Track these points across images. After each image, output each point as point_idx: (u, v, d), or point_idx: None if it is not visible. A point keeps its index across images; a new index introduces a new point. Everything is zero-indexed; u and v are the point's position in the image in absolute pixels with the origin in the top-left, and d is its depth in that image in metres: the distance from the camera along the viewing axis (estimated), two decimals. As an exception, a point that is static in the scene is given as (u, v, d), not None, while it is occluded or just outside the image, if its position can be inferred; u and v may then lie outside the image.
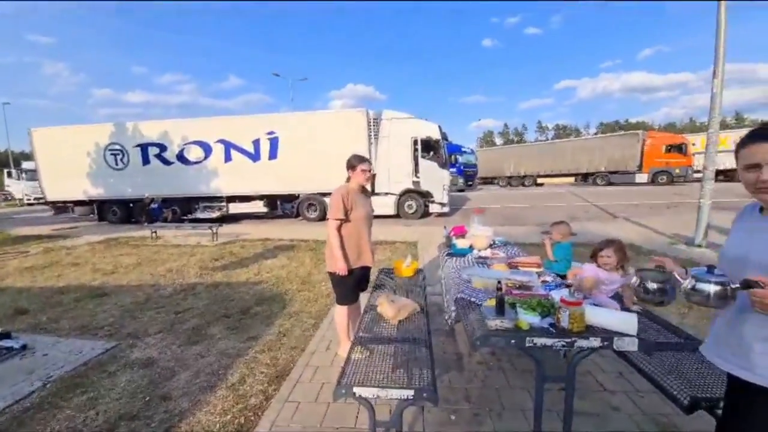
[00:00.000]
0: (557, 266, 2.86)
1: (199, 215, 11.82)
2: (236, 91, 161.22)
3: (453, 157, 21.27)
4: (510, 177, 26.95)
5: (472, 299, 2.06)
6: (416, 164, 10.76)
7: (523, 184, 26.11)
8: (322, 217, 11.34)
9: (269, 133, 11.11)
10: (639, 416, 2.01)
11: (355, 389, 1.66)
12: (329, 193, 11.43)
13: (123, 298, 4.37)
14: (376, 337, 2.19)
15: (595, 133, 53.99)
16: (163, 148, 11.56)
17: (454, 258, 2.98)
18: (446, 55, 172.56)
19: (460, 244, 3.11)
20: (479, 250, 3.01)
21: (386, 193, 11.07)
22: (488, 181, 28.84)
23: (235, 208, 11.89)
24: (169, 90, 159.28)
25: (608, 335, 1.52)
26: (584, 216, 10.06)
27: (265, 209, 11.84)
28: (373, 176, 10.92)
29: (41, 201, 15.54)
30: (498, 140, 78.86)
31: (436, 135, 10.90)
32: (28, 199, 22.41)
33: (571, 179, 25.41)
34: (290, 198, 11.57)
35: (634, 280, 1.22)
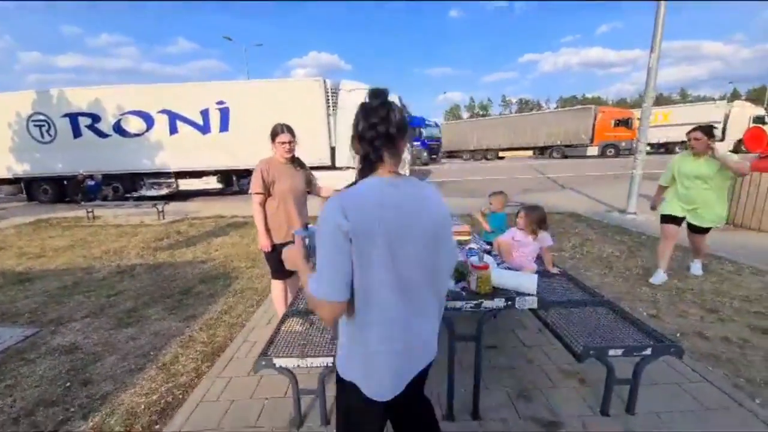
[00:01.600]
0: (493, 236, 2.99)
1: (145, 193, 11.03)
2: (186, 56, 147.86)
3: (417, 130, 21.21)
4: (473, 151, 27.46)
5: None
6: (376, 137, 10.60)
7: (485, 158, 26.75)
8: (282, 193, 11.03)
9: (219, 103, 10.38)
10: (549, 365, 2.21)
11: (275, 360, 1.67)
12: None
13: (49, 283, 4.04)
14: (305, 310, 2.19)
15: (556, 108, 55.83)
16: (96, 118, 10.46)
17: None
18: (413, 23, 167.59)
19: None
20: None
21: (347, 167, 10.89)
22: (453, 154, 29.19)
23: (185, 184, 11.21)
24: (107, 53, 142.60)
25: (512, 296, 1.62)
26: (537, 188, 10.57)
27: (219, 185, 11.28)
28: (333, 150, 10.70)
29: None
30: (464, 114, 79.33)
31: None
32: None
33: (530, 153, 26.39)
34: (246, 173, 11.06)
35: None
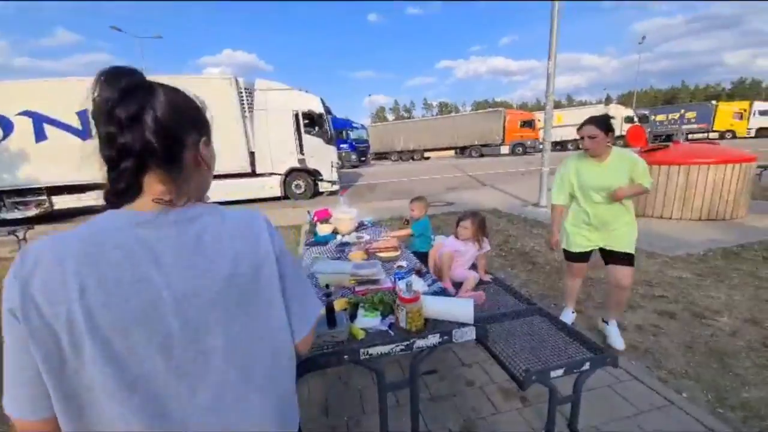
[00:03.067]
0: (417, 243, 2.79)
1: (6, 215, 8.75)
2: (68, 49, 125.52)
3: (344, 132, 20.88)
4: (401, 152, 28.11)
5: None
6: (300, 141, 9.96)
7: (412, 158, 27.58)
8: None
9: (103, 104, 8.68)
10: (490, 386, 2.05)
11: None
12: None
13: None
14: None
15: (471, 111, 60.61)
16: None
17: (316, 247, 2.62)
18: (334, 25, 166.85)
19: (322, 230, 2.76)
20: (342, 236, 2.71)
21: (270, 174, 10.06)
22: (382, 156, 29.54)
23: (62, 202, 9.18)
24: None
25: (447, 329, 1.37)
26: (461, 186, 11.03)
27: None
28: (252, 154, 9.76)
29: None
30: (389, 116, 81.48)
31: (318, 108, 10.19)
32: None
33: (452, 152, 27.99)
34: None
35: None
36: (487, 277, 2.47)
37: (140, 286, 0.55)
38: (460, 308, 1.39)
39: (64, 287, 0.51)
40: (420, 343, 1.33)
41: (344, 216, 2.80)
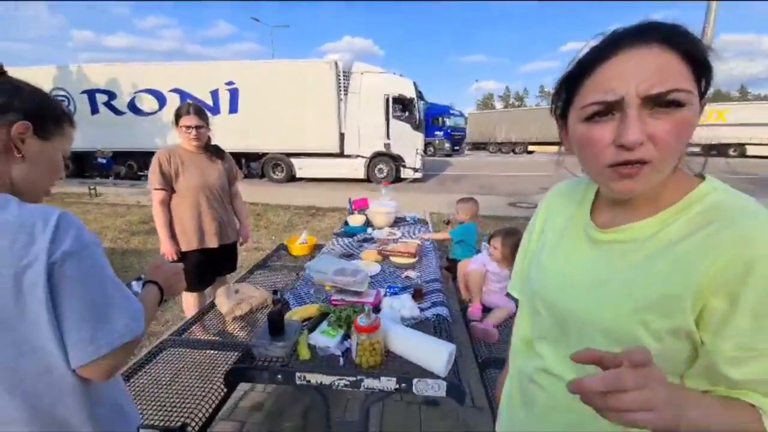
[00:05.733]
0: (457, 251, 2.41)
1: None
2: (226, 39, 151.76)
3: (440, 119, 20.20)
4: (500, 143, 26.00)
5: (307, 301, 1.60)
6: (387, 125, 9.96)
7: (513, 151, 25.25)
8: (290, 178, 10.73)
9: (228, 84, 10.11)
10: None
11: None
12: (296, 154, 10.47)
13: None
14: (194, 339, 1.75)
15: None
16: (112, 95, 10.55)
17: (341, 239, 2.50)
18: (450, 6, 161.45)
19: (354, 220, 2.62)
20: (374, 229, 2.52)
21: (356, 156, 10.38)
22: (479, 146, 27.82)
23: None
24: (153, 34, 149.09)
25: (409, 375, 1.07)
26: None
27: (227, 168, 11.15)
28: (342, 136, 10.17)
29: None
30: (498, 104, 75.88)
31: (410, 93, 9.97)
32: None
33: (563, 148, 24.62)
34: (255, 157, 10.82)
35: None
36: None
37: None
38: (431, 353, 1.07)
39: None
40: (369, 383, 1.07)
41: (379, 209, 2.59)
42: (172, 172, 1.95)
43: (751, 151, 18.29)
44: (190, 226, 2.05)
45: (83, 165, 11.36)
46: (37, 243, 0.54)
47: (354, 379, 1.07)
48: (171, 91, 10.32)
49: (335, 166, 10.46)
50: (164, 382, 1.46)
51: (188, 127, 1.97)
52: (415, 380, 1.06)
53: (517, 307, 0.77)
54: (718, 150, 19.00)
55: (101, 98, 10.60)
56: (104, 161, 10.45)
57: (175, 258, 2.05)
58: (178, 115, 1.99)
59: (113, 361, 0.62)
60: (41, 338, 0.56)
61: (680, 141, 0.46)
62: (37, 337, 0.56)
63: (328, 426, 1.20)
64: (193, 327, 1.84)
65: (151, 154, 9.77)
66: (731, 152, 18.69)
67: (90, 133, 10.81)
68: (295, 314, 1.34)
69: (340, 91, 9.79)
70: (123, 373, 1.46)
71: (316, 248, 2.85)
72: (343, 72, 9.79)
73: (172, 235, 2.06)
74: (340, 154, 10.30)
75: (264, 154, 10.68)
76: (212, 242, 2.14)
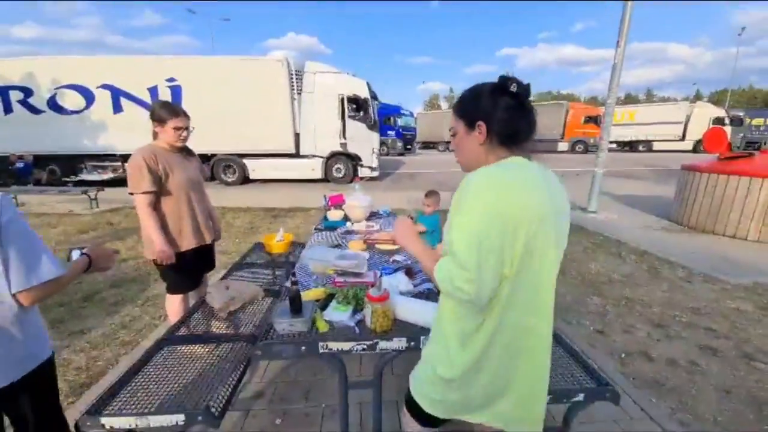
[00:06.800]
0: (429, 240, 2.66)
1: (87, 177, 10.00)
2: (153, 30, 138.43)
3: (392, 119, 20.72)
4: (448, 142, 27.25)
5: (312, 286, 1.72)
6: (344, 125, 10.04)
7: (460, 150, 26.66)
8: (243, 180, 10.33)
9: (170, 80, 9.44)
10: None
11: (104, 420, 1.25)
12: (249, 154, 10.05)
13: None
14: (193, 335, 1.78)
15: (533, 102, 56.41)
16: (28, 92, 9.30)
17: (323, 232, 2.62)
18: (395, 8, 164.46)
19: (333, 215, 2.75)
20: (352, 223, 2.68)
21: (312, 156, 10.30)
22: (429, 145, 28.93)
23: (133, 169, 10.25)
24: (67, 23, 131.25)
25: (416, 334, 1.27)
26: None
27: (170, 171, 10.40)
28: (297, 136, 10.06)
29: None
30: (443, 104, 79.15)
31: (364, 93, 10.14)
32: None
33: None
34: (203, 158, 10.23)
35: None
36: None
37: None
38: (431, 314, 1.28)
39: None
40: (384, 345, 1.25)
41: (356, 203, 2.76)
42: (161, 172, 1.92)
43: (656, 146, 21.41)
44: (187, 224, 2.03)
45: (-4, 171, 9.86)
46: None
47: (370, 342, 1.25)
48: (100, 87, 9.36)
49: (291, 166, 10.30)
50: (175, 373, 1.50)
51: (179, 128, 1.96)
52: (422, 338, 1.26)
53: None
54: (631, 146, 22.01)
55: (15, 95, 9.30)
56: (21, 166, 9.18)
57: (173, 261, 2.00)
58: (170, 114, 1.95)
59: (39, 292, 0.98)
60: None
61: (459, 151, 0.96)
62: None
63: (346, 386, 1.36)
64: (189, 322, 1.86)
65: (76, 157, 8.91)
66: (641, 148, 21.74)
67: (2, 136, 9.43)
68: (306, 296, 1.47)
69: (293, 90, 9.66)
70: (135, 364, 1.48)
71: (293, 245, 2.93)
72: (296, 71, 9.67)
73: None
74: (296, 155, 10.17)
75: (213, 156, 10.15)
76: (207, 238, 2.17)
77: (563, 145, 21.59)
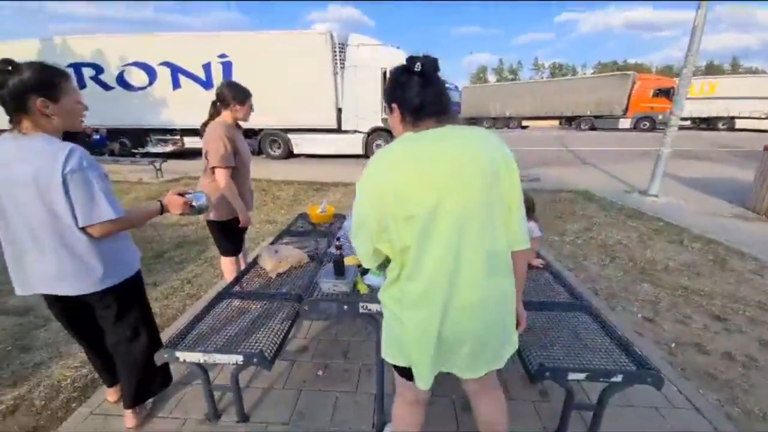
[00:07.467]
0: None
1: (152, 149, 10.95)
2: (207, 7, 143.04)
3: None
4: (495, 118, 25.94)
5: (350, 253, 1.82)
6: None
7: (508, 127, 25.28)
8: (288, 155, 10.73)
9: (221, 56, 9.83)
10: (510, 371, 1.94)
11: (178, 354, 1.46)
12: (293, 129, 10.34)
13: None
14: (247, 291, 1.98)
15: (593, 74, 50.85)
16: (99, 69, 10.20)
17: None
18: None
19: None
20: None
21: (354, 131, 10.37)
22: (473, 122, 27.73)
23: (191, 142, 11.03)
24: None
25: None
26: (555, 161, 9.83)
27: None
28: (340, 111, 10.15)
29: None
30: (491, 77, 74.58)
31: (408, 66, 9.87)
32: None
33: (556, 122, 24.70)
34: (252, 133, 10.72)
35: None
36: (537, 262, 2.25)
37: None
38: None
39: None
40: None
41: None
42: (236, 148, 2.11)
43: (740, 124, 18.68)
44: (245, 194, 2.25)
45: (75, 142, 11.12)
46: (58, 162, 1.13)
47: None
48: (161, 64, 10.01)
49: (333, 141, 10.45)
50: (232, 323, 1.69)
51: (251, 105, 2.17)
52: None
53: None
54: (708, 123, 19.38)
55: (88, 72, 10.24)
56: (98, 138, 10.24)
57: (250, 224, 2.30)
58: (245, 96, 2.13)
59: (101, 228, 1.25)
60: (67, 212, 1.19)
61: (393, 131, 1.02)
62: (65, 212, 1.19)
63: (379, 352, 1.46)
64: (242, 281, 2.07)
65: (143, 131, 9.66)
66: (721, 125, 19.07)
67: (79, 110, 10.54)
68: (348, 261, 1.56)
69: (336, 64, 9.64)
70: (199, 313, 1.70)
71: (335, 217, 3.06)
72: (339, 44, 9.60)
73: None
74: (338, 130, 10.28)
75: (260, 130, 10.59)
76: (252, 207, 2.36)
77: (625, 122, 19.55)
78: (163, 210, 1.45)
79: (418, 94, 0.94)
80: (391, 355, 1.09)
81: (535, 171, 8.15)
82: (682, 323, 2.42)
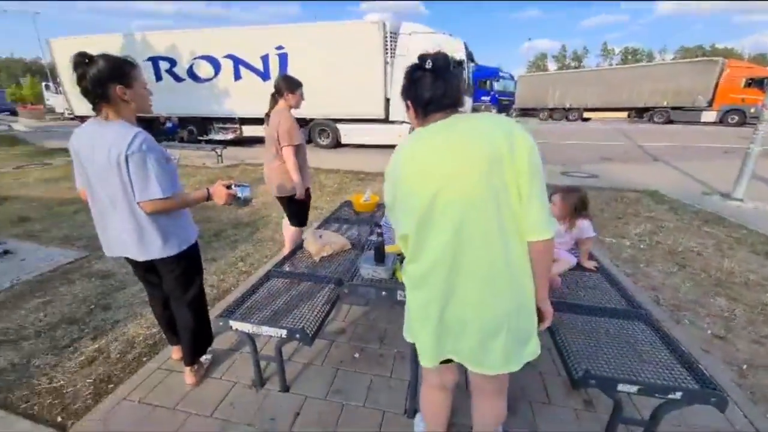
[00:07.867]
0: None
1: (214, 137, 11.85)
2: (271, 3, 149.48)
3: (488, 82, 19.07)
4: (552, 109, 24.21)
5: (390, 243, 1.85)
6: (435, 89, 9.69)
7: (567, 118, 23.49)
8: (336, 144, 11.00)
9: (278, 48, 10.26)
10: (552, 377, 1.85)
11: (232, 323, 1.60)
12: (341, 119, 10.65)
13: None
14: (292, 272, 2.09)
15: (673, 59, 44.46)
16: (173, 62, 11.17)
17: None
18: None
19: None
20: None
21: (401, 122, 10.31)
22: (529, 113, 26.09)
23: (249, 131, 11.74)
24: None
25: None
26: (620, 157, 8.97)
27: (276, 133, 11.62)
28: (388, 101, 10.14)
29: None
30: (551, 65, 69.47)
31: (460, 54, 9.50)
32: (70, 114, 23.43)
33: (625, 114, 22.37)
34: (303, 123, 11.13)
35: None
36: (590, 264, 2.10)
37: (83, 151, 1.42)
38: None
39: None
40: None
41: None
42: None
43: None
44: (305, 171, 2.65)
45: (150, 130, 12.37)
46: (125, 143, 1.31)
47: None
48: (225, 57, 10.70)
49: (380, 132, 10.50)
50: (279, 299, 1.81)
51: (302, 95, 2.54)
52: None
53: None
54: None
55: (164, 65, 11.27)
56: (170, 126, 11.33)
57: (303, 197, 2.66)
58: (297, 85, 2.51)
59: (152, 205, 1.40)
60: (127, 188, 1.37)
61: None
62: (125, 187, 1.37)
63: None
64: (289, 261, 2.19)
65: (207, 119, 10.41)
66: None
67: (154, 100, 11.63)
68: (388, 249, 1.59)
69: (387, 53, 9.59)
70: (250, 288, 1.84)
71: (378, 206, 3.10)
72: (391, 33, 9.53)
73: None
74: (386, 120, 10.29)
75: (311, 120, 10.95)
76: (310, 184, 2.76)
77: (709, 115, 17.20)
78: (209, 197, 1.58)
79: (428, 90, 0.97)
80: (407, 332, 1.16)
81: (592, 167, 7.53)
82: (759, 343, 2.12)
